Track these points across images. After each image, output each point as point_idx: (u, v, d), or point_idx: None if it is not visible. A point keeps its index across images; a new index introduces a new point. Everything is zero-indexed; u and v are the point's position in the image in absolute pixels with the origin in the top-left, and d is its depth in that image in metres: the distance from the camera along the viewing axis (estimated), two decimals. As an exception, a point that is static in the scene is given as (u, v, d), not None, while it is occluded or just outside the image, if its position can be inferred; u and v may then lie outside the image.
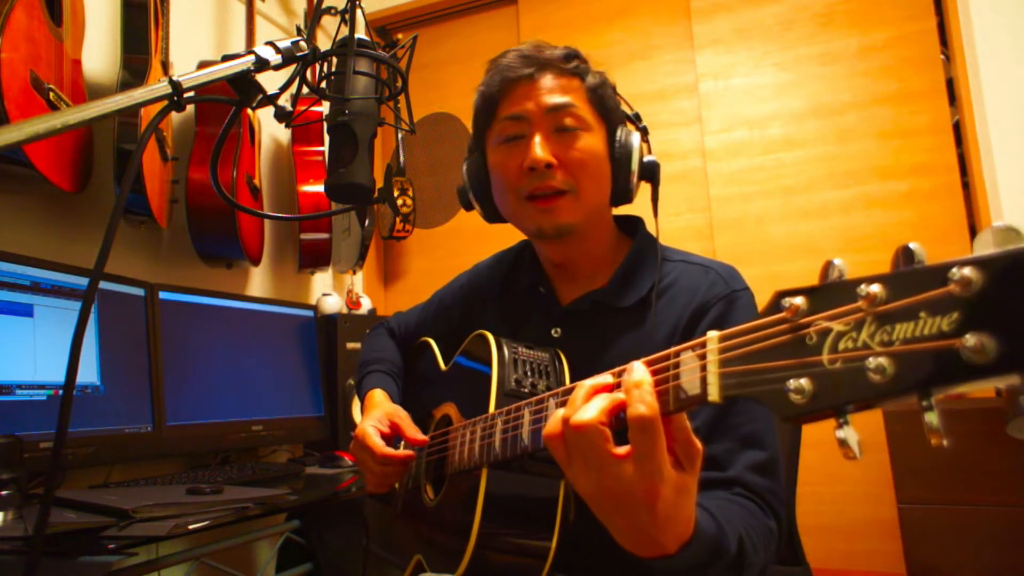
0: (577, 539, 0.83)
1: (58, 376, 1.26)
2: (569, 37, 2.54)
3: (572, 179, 0.89)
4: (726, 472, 0.76)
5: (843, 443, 0.38)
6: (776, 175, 2.22)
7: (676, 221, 2.35)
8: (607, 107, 0.93)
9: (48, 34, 1.27)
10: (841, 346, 0.38)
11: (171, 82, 0.64)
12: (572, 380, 0.85)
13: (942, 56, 2.08)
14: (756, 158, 2.25)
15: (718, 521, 0.61)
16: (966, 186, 2.01)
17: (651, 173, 0.94)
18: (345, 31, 0.81)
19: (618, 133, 0.93)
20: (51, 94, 1.25)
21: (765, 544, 0.70)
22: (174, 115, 1.75)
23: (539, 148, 0.87)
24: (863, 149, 2.12)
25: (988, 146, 1.93)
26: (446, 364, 1.05)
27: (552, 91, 0.90)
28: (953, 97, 2.05)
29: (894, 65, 2.11)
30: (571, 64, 0.92)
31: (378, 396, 1.05)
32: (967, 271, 0.33)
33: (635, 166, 0.91)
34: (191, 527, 1.01)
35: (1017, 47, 1.92)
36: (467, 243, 2.64)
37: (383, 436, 0.95)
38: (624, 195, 0.93)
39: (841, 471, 2.01)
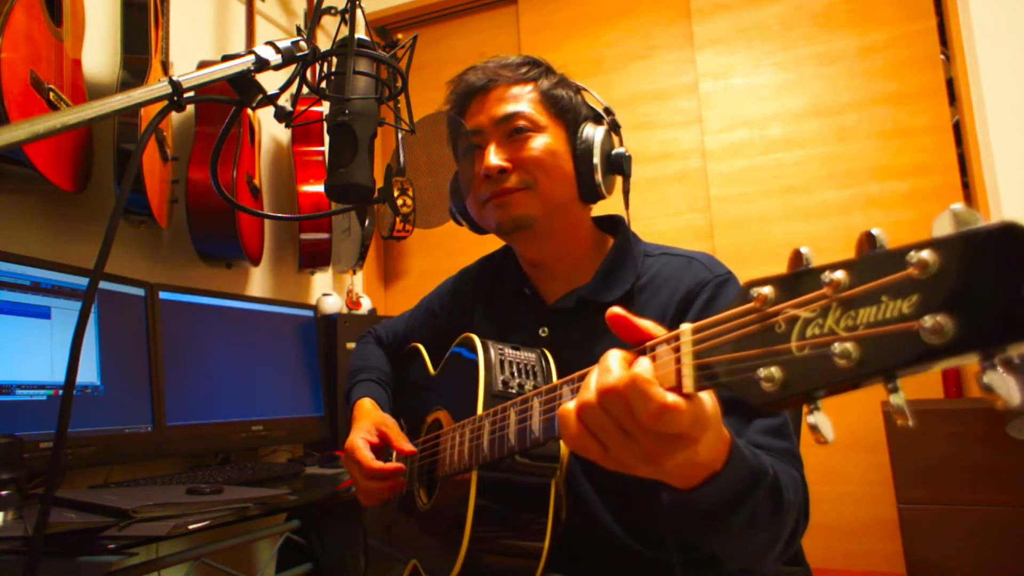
0: (570, 538, 0.83)
1: (60, 376, 1.26)
2: (568, 37, 2.54)
3: (529, 176, 0.91)
4: (739, 439, 0.75)
5: (814, 428, 0.39)
6: (776, 175, 2.22)
7: (676, 221, 2.34)
8: (564, 107, 0.95)
9: (48, 34, 1.27)
10: (808, 333, 0.38)
11: (171, 82, 0.64)
12: (559, 378, 0.85)
13: (942, 56, 2.08)
14: (756, 158, 2.25)
15: (749, 449, 0.62)
16: (966, 186, 2.01)
17: (619, 165, 0.95)
18: (345, 31, 0.81)
19: (580, 130, 0.94)
20: (51, 94, 1.25)
21: (795, 487, 0.68)
22: (174, 115, 1.75)
23: (492, 155, 0.91)
24: (863, 149, 2.12)
25: (988, 146, 1.93)
26: (435, 369, 1.05)
27: (502, 101, 0.94)
28: (953, 97, 2.05)
29: (894, 65, 2.11)
30: (522, 71, 0.96)
31: (367, 405, 1.05)
32: (924, 254, 0.33)
33: (598, 159, 0.92)
34: (191, 527, 1.01)
35: (1017, 47, 1.92)
36: (467, 243, 2.63)
37: (373, 447, 0.94)
38: (592, 190, 0.93)
39: (841, 471, 2.01)
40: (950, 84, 2.06)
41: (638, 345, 0.53)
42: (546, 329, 0.96)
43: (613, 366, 0.50)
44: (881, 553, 1.95)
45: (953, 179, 2.02)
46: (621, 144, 0.98)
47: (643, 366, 0.48)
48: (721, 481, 0.56)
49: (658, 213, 2.37)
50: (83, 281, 1.33)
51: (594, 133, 0.93)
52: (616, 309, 0.53)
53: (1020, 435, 1.51)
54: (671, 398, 0.46)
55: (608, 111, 0.98)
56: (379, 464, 0.91)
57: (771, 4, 2.28)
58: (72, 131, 1.17)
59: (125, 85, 1.46)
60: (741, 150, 2.27)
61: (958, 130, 2.03)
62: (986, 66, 1.94)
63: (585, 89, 1.00)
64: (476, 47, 2.71)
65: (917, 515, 1.62)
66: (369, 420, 0.99)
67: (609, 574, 0.86)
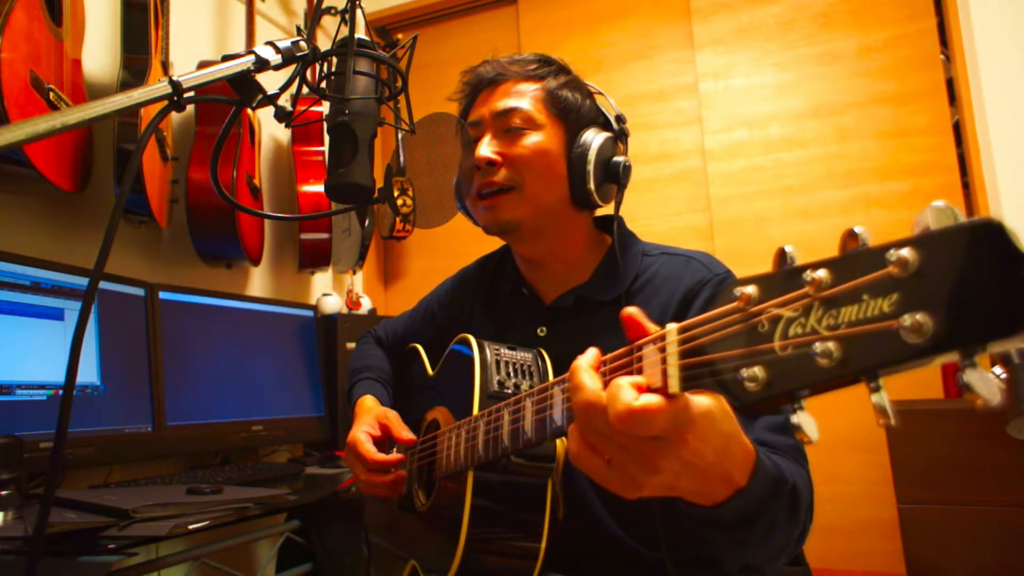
0: (568, 537, 0.83)
1: (61, 376, 1.26)
2: (568, 37, 2.54)
3: (516, 175, 0.91)
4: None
5: (798, 428, 0.38)
6: (776, 175, 2.22)
7: (676, 221, 2.34)
8: (567, 108, 0.94)
9: (48, 34, 1.27)
10: (791, 332, 0.38)
11: (171, 82, 0.64)
12: (555, 378, 0.85)
13: (942, 56, 2.08)
14: (756, 158, 2.25)
15: (770, 458, 0.61)
16: (966, 186, 2.01)
17: (615, 174, 0.93)
18: (345, 31, 0.81)
19: (580, 134, 0.93)
20: (51, 94, 1.25)
21: (805, 485, 0.68)
22: (174, 115, 1.75)
23: (483, 147, 0.92)
24: (863, 149, 2.12)
25: (988, 146, 1.93)
26: (433, 369, 1.05)
27: (504, 96, 0.94)
28: (953, 97, 2.05)
29: (894, 65, 2.11)
30: (532, 67, 0.95)
31: (368, 402, 1.05)
32: (904, 251, 0.33)
33: (592, 166, 0.90)
34: (191, 527, 1.01)
35: (1017, 47, 1.92)
36: (467, 243, 2.63)
37: (375, 440, 0.94)
38: (583, 195, 0.92)
39: (841, 471, 2.01)
40: (950, 84, 2.06)
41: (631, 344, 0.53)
42: (544, 329, 0.96)
43: (586, 381, 0.50)
44: (881, 553, 1.95)
45: (953, 179, 2.02)
46: (625, 153, 0.96)
47: (622, 380, 0.47)
48: (745, 496, 0.55)
49: (658, 213, 2.37)
50: (83, 281, 1.33)
51: (594, 138, 0.91)
52: (631, 309, 0.52)
53: (1020, 435, 1.51)
54: (644, 398, 0.45)
55: (620, 119, 0.97)
56: (382, 456, 0.91)
57: (771, 4, 2.28)
58: (72, 131, 1.17)
59: (125, 85, 1.46)
60: (741, 150, 2.27)
61: (958, 130, 2.03)
62: (986, 66, 1.94)
63: (600, 93, 0.99)
64: (476, 47, 2.71)
65: (917, 515, 1.62)
66: (371, 415, 0.99)
67: (608, 573, 0.86)
